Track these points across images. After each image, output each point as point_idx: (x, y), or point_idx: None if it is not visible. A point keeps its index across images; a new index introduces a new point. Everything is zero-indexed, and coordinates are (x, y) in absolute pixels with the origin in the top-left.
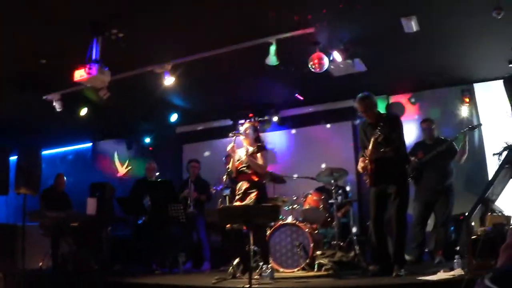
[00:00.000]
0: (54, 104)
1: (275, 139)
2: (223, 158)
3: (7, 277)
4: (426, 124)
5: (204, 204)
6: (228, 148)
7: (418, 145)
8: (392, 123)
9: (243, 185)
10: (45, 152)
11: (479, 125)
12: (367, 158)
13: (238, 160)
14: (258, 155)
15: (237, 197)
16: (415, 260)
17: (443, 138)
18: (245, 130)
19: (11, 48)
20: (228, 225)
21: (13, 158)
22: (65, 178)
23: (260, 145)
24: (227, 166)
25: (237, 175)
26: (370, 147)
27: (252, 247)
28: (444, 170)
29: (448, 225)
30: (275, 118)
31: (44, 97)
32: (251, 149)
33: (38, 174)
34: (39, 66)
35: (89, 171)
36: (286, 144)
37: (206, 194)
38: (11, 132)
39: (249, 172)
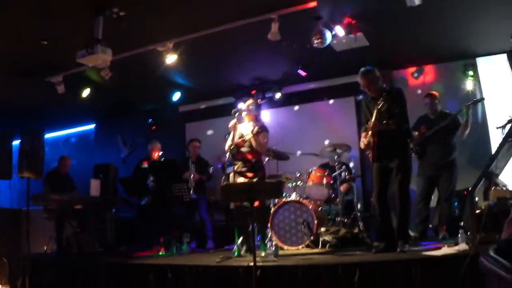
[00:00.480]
0: (56, 86)
1: (278, 115)
2: (226, 136)
3: (12, 263)
4: (429, 98)
5: (205, 184)
6: (230, 124)
7: (420, 119)
8: (395, 97)
9: (245, 163)
10: (48, 135)
11: (482, 99)
12: (369, 132)
13: (240, 138)
14: (260, 136)
15: (238, 174)
16: (419, 236)
17: (446, 112)
18: (248, 106)
19: (11, 30)
20: (233, 203)
21: (16, 142)
22: (69, 160)
23: (263, 125)
24: (228, 144)
25: (238, 152)
26: (373, 118)
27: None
28: (448, 144)
29: (451, 200)
30: (277, 95)
31: (46, 79)
32: (255, 128)
33: (41, 157)
34: (40, 47)
35: (92, 153)
36: (289, 120)
37: (206, 174)
38: (14, 116)
39: (250, 150)
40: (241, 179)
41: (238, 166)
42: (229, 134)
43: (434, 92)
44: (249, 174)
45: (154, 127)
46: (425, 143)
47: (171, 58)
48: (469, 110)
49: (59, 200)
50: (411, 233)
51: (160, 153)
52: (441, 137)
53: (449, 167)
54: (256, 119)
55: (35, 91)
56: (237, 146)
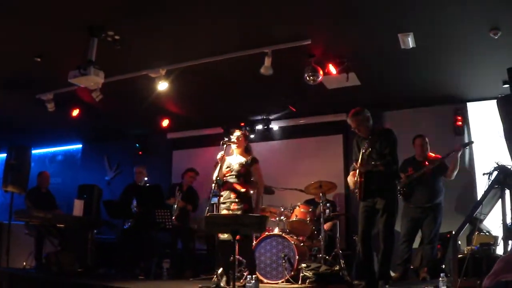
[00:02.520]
0: (46, 104)
1: (266, 149)
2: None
3: None
4: (419, 140)
5: (189, 213)
6: (218, 156)
7: (408, 161)
8: (385, 137)
9: (230, 194)
10: (35, 151)
11: (471, 142)
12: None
13: (227, 168)
14: (253, 168)
15: (223, 205)
16: (400, 277)
17: (434, 155)
18: (238, 138)
19: (5, 46)
20: (219, 235)
21: (2, 155)
22: (49, 175)
23: (254, 157)
24: (216, 175)
25: (224, 183)
26: (359, 160)
27: (237, 257)
28: (434, 187)
29: (434, 243)
30: (267, 128)
31: (37, 96)
32: (243, 159)
33: (27, 172)
34: (33, 64)
35: (77, 173)
36: (276, 155)
37: (193, 204)
38: (2, 129)
39: (237, 181)
40: (224, 212)
41: (224, 197)
42: (216, 165)
43: (423, 135)
44: (234, 206)
45: (141, 152)
46: (412, 185)
47: (162, 85)
48: (459, 152)
49: (42, 217)
50: (392, 274)
51: (145, 178)
52: (428, 180)
53: (434, 210)
54: (246, 149)
55: (25, 107)
56: (224, 176)
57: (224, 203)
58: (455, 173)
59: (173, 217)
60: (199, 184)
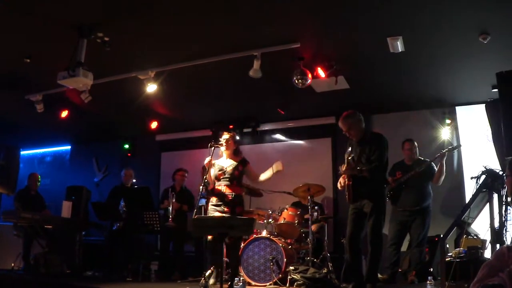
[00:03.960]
0: (35, 105)
1: (254, 152)
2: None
3: None
4: (407, 144)
5: (186, 214)
6: (206, 161)
7: (396, 165)
8: (375, 142)
9: (223, 197)
10: (24, 152)
11: (458, 146)
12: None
13: (220, 170)
14: (248, 169)
15: (215, 207)
16: (388, 279)
17: (422, 159)
18: (226, 140)
19: None
20: (210, 237)
21: None
22: (39, 176)
23: (244, 158)
24: (204, 177)
25: (216, 187)
26: (344, 164)
27: (225, 259)
28: (422, 191)
29: (422, 246)
30: (255, 131)
31: (26, 97)
32: (235, 163)
33: (16, 173)
34: (22, 65)
35: (66, 174)
36: (265, 157)
37: (188, 204)
38: None
39: (230, 184)
40: (217, 214)
41: (217, 200)
42: (203, 170)
43: (412, 139)
44: (226, 209)
45: (129, 154)
46: (400, 188)
47: (151, 87)
48: (444, 157)
49: (30, 218)
50: (380, 276)
51: (134, 180)
52: (416, 184)
53: (422, 213)
54: (235, 152)
55: (14, 107)
56: (216, 178)
57: (218, 205)
58: (442, 179)
59: (170, 219)
60: (189, 186)
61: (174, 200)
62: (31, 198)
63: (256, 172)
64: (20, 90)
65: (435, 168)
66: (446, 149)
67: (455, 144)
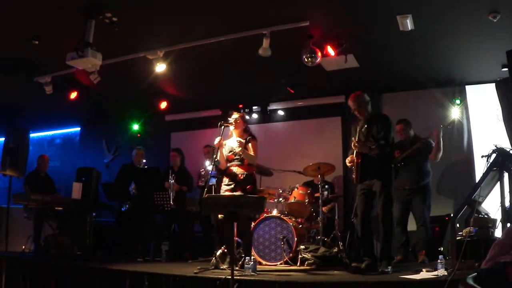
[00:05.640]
0: (44, 87)
1: (264, 131)
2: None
3: None
4: (400, 126)
5: (185, 195)
6: (216, 141)
7: (395, 144)
8: (381, 122)
9: (235, 177)
10: (33, 135)
11: (453, 121)
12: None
13: (230, 152)
14: (250, 145)
15: (227, 187)
16: (401, 260)
17: (419, 136)
18: (236, 120)
19: (2, 28)
20: (220, 216)
21: (1, 139)
22: (48, 158)
23: (251, 136)
24: (214, 157)
25: (227, 167)
26: (356, 136)
27: (236, 238)
28: (421, 169)
29: (427, 225)
30: (265, 110)
31: (34, 79)
32: (242, 142)
33: (25, 156)
34: (31, 47)
35: (76, 156)
36: (274, 137)
37: (187, 185)
38: (0, 113)
39: (241, 164)
40: (227, 193)
41: (229, 180)
42: (204, 147)
43: (404, 120)
44: (237, 188)
45: (139, 135)
46: (399, 167)
47: (160, 67)
48: (440, 133)
49: (41, 200)
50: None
51: (144, 160)
52: (414, 162)
53: (421, 192)
54: (245, 131)
55: (23, 90)
56: (227, 160)
57: (229, 185)
58: (439, 155)
59: (170, 200)
60: (191, 167)
61: (173, 181)
62: (41, 180)
63: (256, 150)
64: (29, 72)
65: (433, 144)
66: (441, 126)
67: (465, 123)
